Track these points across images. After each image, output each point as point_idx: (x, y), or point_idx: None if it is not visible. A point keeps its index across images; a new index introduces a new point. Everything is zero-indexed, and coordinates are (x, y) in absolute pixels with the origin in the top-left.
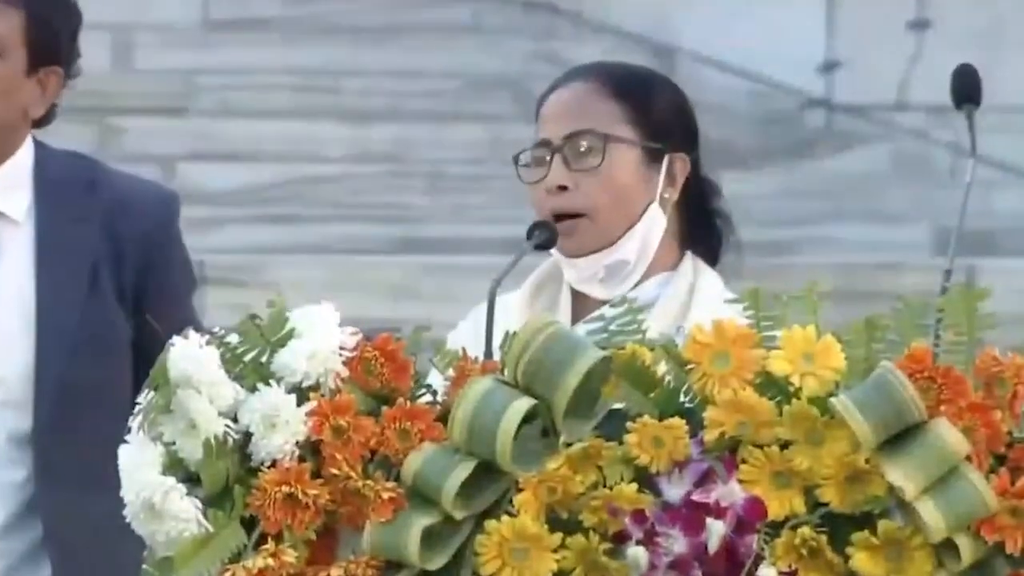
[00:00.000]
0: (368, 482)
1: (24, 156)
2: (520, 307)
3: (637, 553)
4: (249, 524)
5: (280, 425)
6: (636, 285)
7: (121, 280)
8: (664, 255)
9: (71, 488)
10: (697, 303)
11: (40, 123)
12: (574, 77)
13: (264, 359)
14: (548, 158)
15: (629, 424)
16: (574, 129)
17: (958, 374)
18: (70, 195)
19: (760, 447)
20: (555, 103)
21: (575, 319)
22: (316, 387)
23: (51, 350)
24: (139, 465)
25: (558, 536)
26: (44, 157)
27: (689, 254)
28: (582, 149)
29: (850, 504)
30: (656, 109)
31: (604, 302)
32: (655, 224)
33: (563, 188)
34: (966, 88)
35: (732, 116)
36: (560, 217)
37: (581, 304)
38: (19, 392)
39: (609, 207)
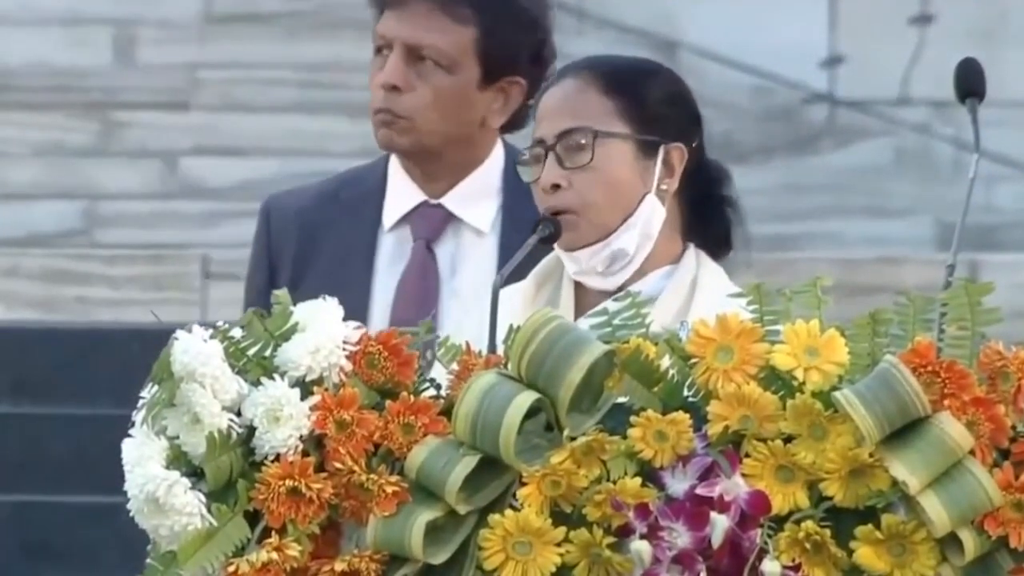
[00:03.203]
0: (372, 476)
1: (493, 165)
2: (523, 300)
3: (640, 547)
4: (253, 518)
5: (284, 419)
6: (639, 278)
7: None
8: (665, 247)
9: None
10: (699, 297)
11: (505, 129)
12: (567, 74)
13: (268, 353)
14: (543, 157)
15: (633, 418)
16: (566, 127)
17: (962, 368)
18: (534, 204)
19: (764, 441)
20: (549, 101)
21: (578, 312)
22: (320, 381)
23: None
24: (143, 459)
25: (562, 530)
26: (514, 165)
27: (692, 247)
28: (573, 146)
29: (853, 498)
30: (650, 101)
31: (606, 294)
32: (653, 215)
33: (556, 186)
34: (970, 82)
35: (734, 111)
36: (556, 213)
37: (583, 297)
38: None
39: (601, 202)
